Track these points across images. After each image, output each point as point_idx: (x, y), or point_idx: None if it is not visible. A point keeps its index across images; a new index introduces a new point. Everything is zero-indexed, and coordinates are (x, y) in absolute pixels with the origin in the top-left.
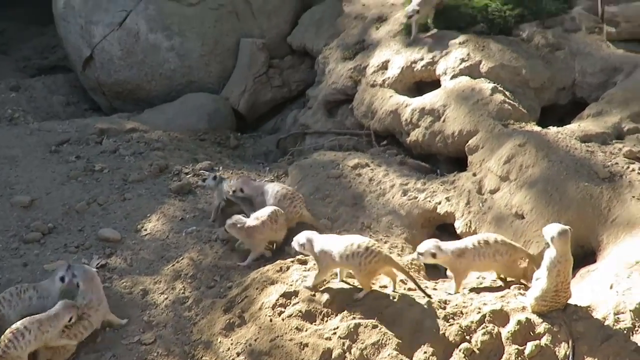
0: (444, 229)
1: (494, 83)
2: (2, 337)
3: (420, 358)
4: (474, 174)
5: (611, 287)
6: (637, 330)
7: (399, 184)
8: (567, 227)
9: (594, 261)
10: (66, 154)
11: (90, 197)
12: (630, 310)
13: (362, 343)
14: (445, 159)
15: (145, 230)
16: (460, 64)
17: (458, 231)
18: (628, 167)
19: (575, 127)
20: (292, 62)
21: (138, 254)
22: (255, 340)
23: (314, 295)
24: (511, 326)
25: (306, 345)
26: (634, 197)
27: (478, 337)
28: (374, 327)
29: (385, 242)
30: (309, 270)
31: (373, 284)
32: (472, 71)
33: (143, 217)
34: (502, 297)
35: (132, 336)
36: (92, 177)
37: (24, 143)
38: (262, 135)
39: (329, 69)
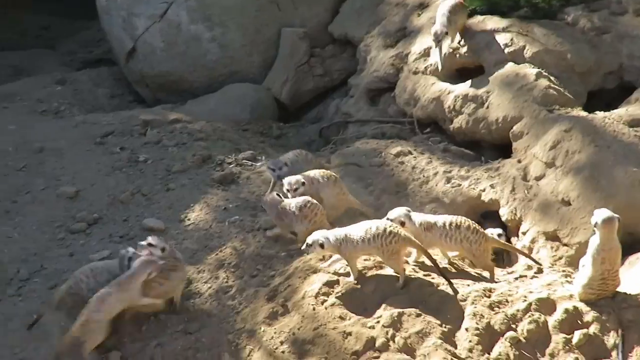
0: (489, 216)
1: (539, 68)
2: (88, 303)
3: (465, 347)
4: (519, 161)
5: None
6: None
7: (443, 171)
8: (613, 215)
9: None
10: (111, 146)
11: (134, 188)
12: None
13: (406, 332)
14: (489, 146)
15: (189, 220)
16: (504, 49)
17: (503, 219)
18: None
19: (622, 111)
20: (334, 50)
21: (182, 244)
22: (299, 329)
23: (357, 283)
24: (558, 315)
25: (349, 334)
26: None
27: (524, 326)
28: (418, 315)
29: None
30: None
31: (404, 268)
32: (515, 57)
33: (186, 207)
34: (548, 285)
35: (176, 325)
36: (136, 168)
37: (70, 135)
38: (304, 124)
39: (370, 57)
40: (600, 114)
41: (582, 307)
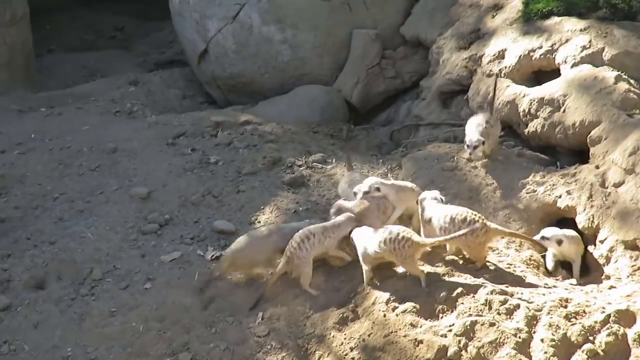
0: (565, 223)
1: (618, 71)
2: (291, 240)
3: (540, 358)
4: (597, 167)
5: None
6: None
7: (517, 176)
8: None
9: None
10: (182, 147)
11: (205, 189)
12: None
13: (479, 341)
14: (565, 151)
15: (259, 222)
16: (582, 51)
17: (579, 226)
18: None
19: None
20: (405, 52)
21: None
22: (369, 335)
23: (429, 291)
24: (638, 327)
25: (421, 342)
26: None
27: (602, 338)
28: (492, 324)
29: (502, 238)
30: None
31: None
32: (594, 59)
33: (257, 209)
34: (628, 296)
35: (246, 329)
36: (207, 170)
37: (142, 136)
38: (375, 127)
39: (443, 59)
40: None
41: None
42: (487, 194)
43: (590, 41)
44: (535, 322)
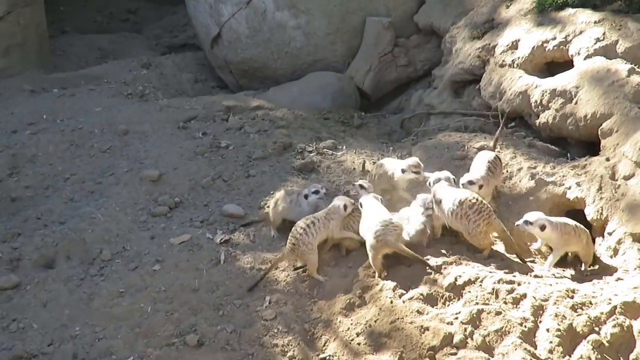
0: (573, 214)
1: (631, 64)
2: (295, 226)
3: (545, 347)
4: (607, 159)
5: None
6: None
7: (527, 167)
8: None
9: None
10: (193, 131)
11: (215, 173)
12: None
13: (485, 329)
14: (576, 143)
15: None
16: (595, 43)
17: (589, 218)
18: None
19: None
20: (418, 41)
21: (261, 231)
22: (375, 321)
23: (436, 278)
24: None
25: (427, 328)
26: None
27: (608, 329)
28: (498, 313)
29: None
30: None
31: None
32: (607, 51)
33: (266, 194)
34: (635, 287)
35: (253, 312)
36: (218, 154)
37: (154, 119)
38: (386, 114)
39: (456, 48)
40: None
41: None
42: None
43: (604, 33)
44: (541, 312)
